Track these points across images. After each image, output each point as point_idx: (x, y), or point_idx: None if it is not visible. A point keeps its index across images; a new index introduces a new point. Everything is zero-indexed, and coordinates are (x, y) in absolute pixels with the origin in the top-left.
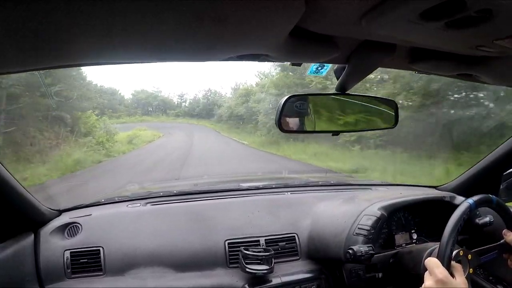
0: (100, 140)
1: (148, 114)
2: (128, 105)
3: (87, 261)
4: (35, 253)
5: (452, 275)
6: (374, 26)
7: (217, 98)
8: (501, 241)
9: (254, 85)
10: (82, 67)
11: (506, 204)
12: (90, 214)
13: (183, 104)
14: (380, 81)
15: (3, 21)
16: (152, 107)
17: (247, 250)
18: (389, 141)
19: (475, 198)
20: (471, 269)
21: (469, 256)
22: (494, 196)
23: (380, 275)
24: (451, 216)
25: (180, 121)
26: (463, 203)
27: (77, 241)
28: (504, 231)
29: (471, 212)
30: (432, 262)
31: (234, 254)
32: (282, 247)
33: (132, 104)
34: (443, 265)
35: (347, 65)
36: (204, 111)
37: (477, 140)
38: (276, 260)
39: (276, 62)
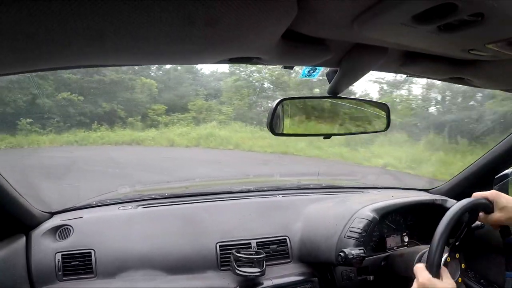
0: None
1: (112, 119)
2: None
3: (79, 264)
4: (27, 255)
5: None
6: (366, 29)
7: None
8: (469, 199)
9: None
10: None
11: None
12: (82, 217)
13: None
14: None
15: None
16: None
17: (238, 252)
18: None
19: (464, 202)
20: (463, 264)
21: (457, 255)
22: (483, 199)
23: (372, 278)
24: (439, 222)
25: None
26: (450, 210)
27: (69, 244)
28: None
29: (459, 217)
30: (417, 268)
31: (226, 256)
32: (274, 250)
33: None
34: (432, 270)
35: (339, 68)
36: None
37: None
38: (267, 263)
39: (268, 65)
